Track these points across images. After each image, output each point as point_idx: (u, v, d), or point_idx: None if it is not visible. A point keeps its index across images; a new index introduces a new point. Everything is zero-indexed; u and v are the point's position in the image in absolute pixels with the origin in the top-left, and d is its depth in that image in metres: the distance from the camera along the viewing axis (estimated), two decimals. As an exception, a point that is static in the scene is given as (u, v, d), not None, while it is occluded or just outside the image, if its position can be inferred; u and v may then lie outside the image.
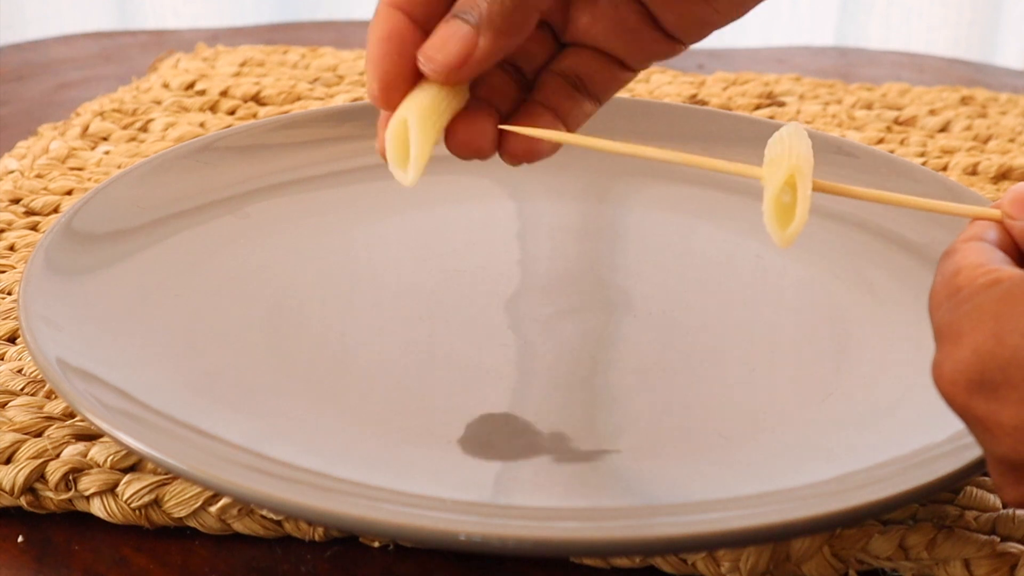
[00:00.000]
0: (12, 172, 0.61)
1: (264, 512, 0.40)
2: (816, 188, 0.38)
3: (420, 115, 0.40)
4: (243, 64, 0.75)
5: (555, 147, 0.43)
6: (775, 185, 0.38)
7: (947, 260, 0.36)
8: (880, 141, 0.69)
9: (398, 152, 0.41)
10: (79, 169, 0.62)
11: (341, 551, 0.40)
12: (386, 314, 0.50)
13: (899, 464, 0.40)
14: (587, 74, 0.43)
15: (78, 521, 0.41)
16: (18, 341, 0.49)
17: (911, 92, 0.75)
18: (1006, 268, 0.35)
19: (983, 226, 0.37)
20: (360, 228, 0.56)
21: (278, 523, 0.41)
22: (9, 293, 0.52)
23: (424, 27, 0.41)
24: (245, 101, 0.70)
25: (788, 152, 0.39)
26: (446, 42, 0.40)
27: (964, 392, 0.33)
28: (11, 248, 0.55)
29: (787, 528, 0.36)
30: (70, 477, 0.41)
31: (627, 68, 0.44)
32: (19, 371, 0.47)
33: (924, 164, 0.65)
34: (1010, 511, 0.41)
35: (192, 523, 0.41)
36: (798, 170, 0.38)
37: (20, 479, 0.41)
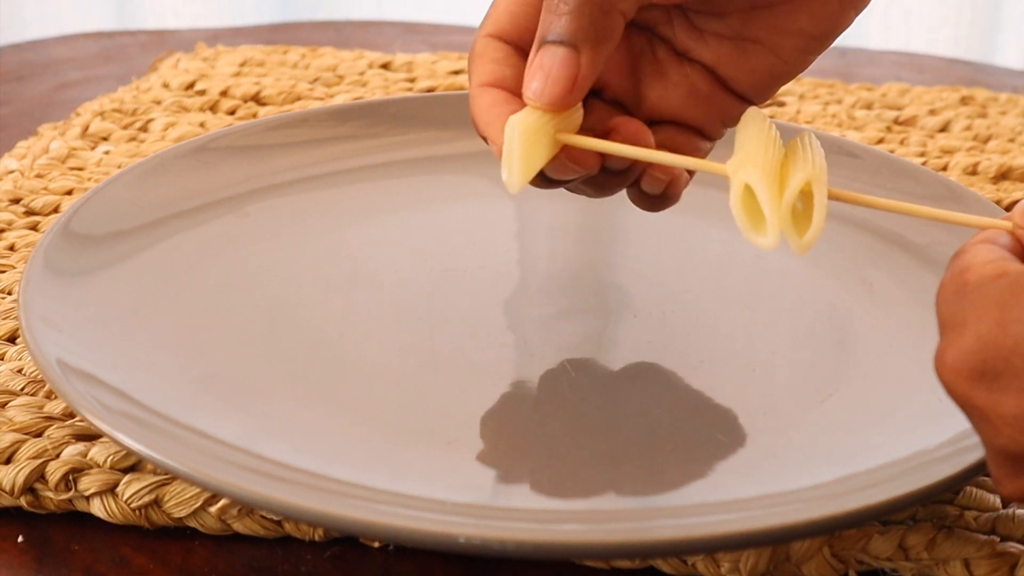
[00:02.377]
0: (12, 172, 0.61)
1: (264, 512, 0.40)
2: (832, 196, 0.39)
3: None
4: (243, 64, 0.75)
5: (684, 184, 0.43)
6: (792, 191, 0.38)
7: (957, 259, 0.36)
8: (880, 141, 0.69)
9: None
10: (79, 169, 0.62)
11: (341, 551, 0.40)
12: (385, 314, 0.50)
13: (899, 467, 0.40)
14: (670, 148, 0.43)
15: (78, 521, 0.41)
16: (18, 341, 0.48)
17: (911, 92, 0.75)
18: (1014, 264, 0.35)
19: (994, 232, 0.38)
20: (360, 228, 0.56)
21: (278, 523, 0.41)
22: (9, 293, 0.52)
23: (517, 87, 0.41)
24: (245, 101, 0.70)
25: (808, 160, 0.39)
26: (549, 72, 0.40)
27: (966, 381, 0.33)
28: (11, 248, 0.55)
29: (787, 531, 0.36)
30: (70, 477, 0.41)
31: (706, 137, 0.44)
32: (19, 371, 0.47)
33: (924, 164, 0.65)
34: (1010, 511, 0.41)
35: (192, 523, 0.41)
36: (815, 178, 0.38)
37: (20, 479, 0.41)
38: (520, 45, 0.43)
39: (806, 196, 0.39)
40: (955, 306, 0.34)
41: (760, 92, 0.44)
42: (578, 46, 0.40)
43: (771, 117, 0.70)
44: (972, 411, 0.34)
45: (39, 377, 0.46)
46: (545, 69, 0.40)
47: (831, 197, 0.39)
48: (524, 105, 0.41)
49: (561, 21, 0.40)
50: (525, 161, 0.39)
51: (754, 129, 0.40)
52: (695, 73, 0.43)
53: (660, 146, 0.43)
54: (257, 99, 0.71)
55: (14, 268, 0.53)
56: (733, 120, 0.44)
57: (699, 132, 0.44)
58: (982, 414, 0.34)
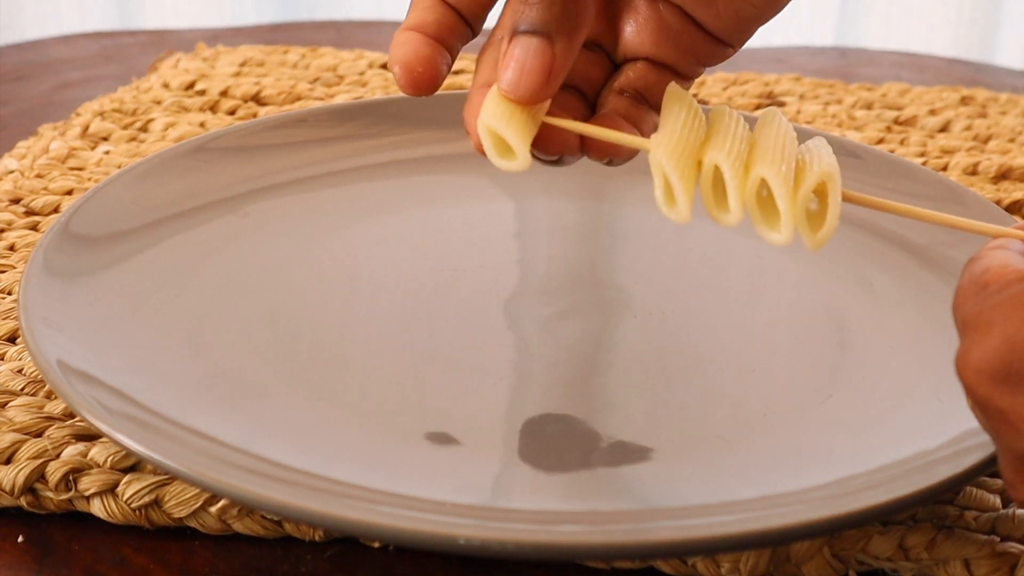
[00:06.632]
0: (12, 172, 0.61)
1: (264, 513, 0.40)
2: (846, 199, 0.39)
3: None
4: (243, 64, 0.75)
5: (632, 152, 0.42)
6: (807, 187, 0.38)
7: (974, 263, 0.36)
8: (880, 141, 0.69)
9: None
10: (79, 169, 0.62)
11: (341, 551, 0.40)
12: (385, 314, 0.50)
13: (900, 467, 0.40)
14: (645, 86, 0.43)
15: (78, 521, 0.41)
16: (18, 341, 0.48)
17: (911, 92, 0.75)
18: None
19: (1007, 239, 0.38)
20: (360, 228, 0.55)
21: (278, 523, 0.41)
22: (9, 293, 0.52)
23: (441, 37, 0.40)
24: (245, 101, 0.70)
25: (818, 159, 0.39)
26: (523, 64, 0.39)
27: (989, 382, 0.33)
28: (11, 248, 0.55)
29: (787, 532, 0.36)
30: (70, 477, 0.41)
31: (681, 75, 0.44)
32: (19, 371, 0.47)
33: (924, 164, 0.65)
34: (1010, 511, 0.41)
35: (192, 523, 0.41)
36: (828, 176, 0.38)
37: (20, 479, 0.41)
38: None
39: (819, 194, 0.39)
40: (978, 308, 0.34)
41: (730, 33, 0.43)
42: (551, 36, 0.39)
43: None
44: (993, 413, 0.34)
45: (39, 377, 0.46)
46: (519, 61, 0.39)
47: (846, 200, 0.39)
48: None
49: (532, 11, 0.39)
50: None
51: (771, 127, 0.40)
52: (666, 10, 0.43)
53: (635, 84, 0.43)
54: (257, 99, 0.71)
55: (14, 268, 0.53)
56: (708, 59, 0.43)
57: (673, 70, 0.43)
58: (1004, 417, 0.33)
